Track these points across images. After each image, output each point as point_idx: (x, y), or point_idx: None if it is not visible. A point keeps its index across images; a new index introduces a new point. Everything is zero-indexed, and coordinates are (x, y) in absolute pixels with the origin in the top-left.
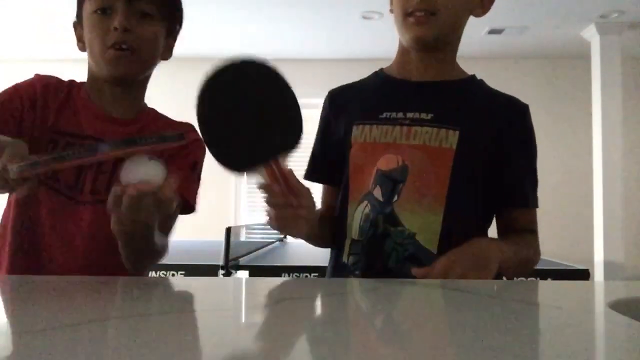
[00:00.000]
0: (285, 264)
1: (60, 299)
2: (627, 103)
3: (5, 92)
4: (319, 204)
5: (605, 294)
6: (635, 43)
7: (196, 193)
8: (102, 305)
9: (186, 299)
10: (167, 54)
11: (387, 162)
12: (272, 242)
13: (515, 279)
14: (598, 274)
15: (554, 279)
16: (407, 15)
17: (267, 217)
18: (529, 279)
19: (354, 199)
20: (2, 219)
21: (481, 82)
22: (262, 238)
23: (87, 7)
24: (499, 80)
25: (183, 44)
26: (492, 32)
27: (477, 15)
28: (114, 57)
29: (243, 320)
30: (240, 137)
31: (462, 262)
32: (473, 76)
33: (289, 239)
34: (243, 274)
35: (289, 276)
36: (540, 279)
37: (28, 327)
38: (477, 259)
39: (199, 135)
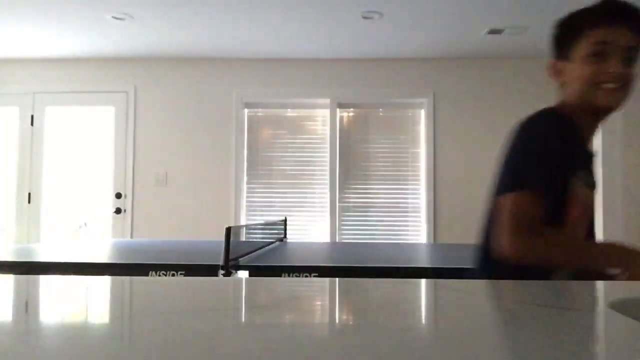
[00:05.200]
0: (285, 264)
1: (59, 299)
2: (627, 103)
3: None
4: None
5: (605, 294)
6: None
7: None
8: (102, 305)
9: (186, 299)
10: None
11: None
12: (272, 242)
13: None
14: None
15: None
16: (596, 84)
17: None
18: None
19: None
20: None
21: None
22: (262, 238)
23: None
24: (499, 80)
25: (184, 45)
26: (492, 32)
27: None
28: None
29: (243, 320)
30: None
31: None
32: None
33: (289, 238)
34: (243, 274)
35: (289, 276)
36: None
37: (28, 326)
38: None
39: None
